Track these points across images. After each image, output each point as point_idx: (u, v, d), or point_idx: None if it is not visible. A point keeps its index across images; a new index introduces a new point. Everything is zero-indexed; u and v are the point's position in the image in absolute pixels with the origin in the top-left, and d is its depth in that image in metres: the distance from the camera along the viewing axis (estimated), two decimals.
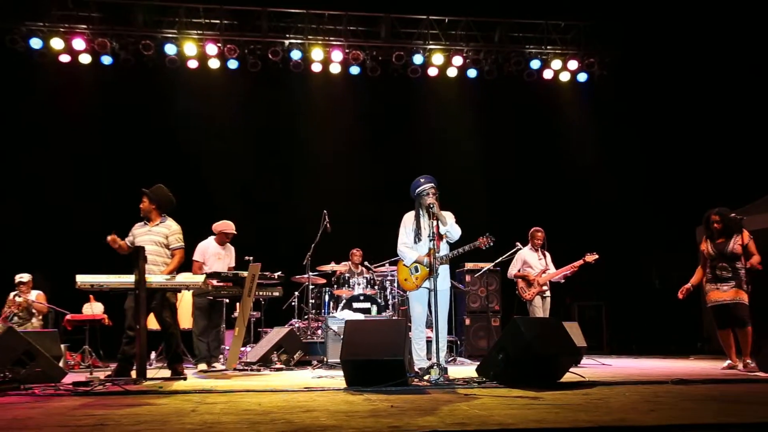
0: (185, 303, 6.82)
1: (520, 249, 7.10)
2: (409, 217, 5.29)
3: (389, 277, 8.03)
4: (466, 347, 8.31)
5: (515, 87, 10.03)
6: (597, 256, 6.93)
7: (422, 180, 5.19)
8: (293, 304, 8.15)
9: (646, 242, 9.93)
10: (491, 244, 5.20)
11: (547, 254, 7.28)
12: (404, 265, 5.23)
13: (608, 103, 10.10)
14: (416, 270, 5.19)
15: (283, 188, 9.88)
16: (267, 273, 6.18)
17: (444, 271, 5.20)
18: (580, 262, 6.97)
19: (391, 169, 9.87)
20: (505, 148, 10.22)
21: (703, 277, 6.13)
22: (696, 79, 9.45)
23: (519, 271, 7.18)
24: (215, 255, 6.63)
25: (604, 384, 4.51)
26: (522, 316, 5.96)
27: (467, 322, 8.46)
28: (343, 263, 8.41)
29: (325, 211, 7.65)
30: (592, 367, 6.44)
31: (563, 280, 7.22)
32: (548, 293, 7.16)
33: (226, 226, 6.71)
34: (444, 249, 5.18)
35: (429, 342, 5.74)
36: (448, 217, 5.18)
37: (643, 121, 10.02)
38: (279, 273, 6.33)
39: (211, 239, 6.69)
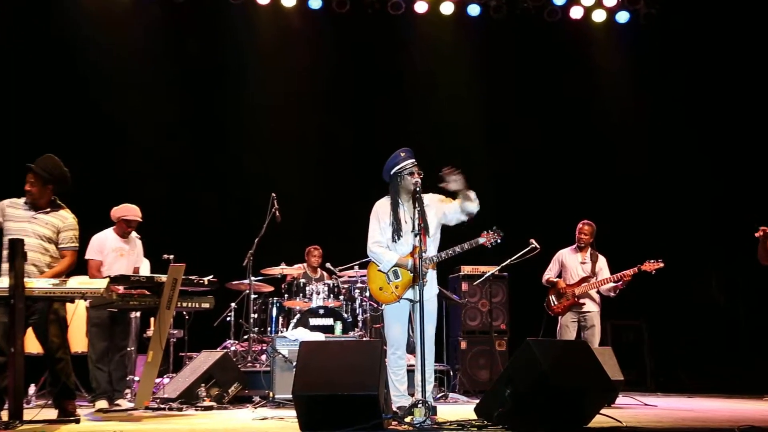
0: (78, 318, 6.73)
1: (536, 249, 7.11)
2: (383, 207, 5.31)
3: (359, 284, 8.07)
4: (461, 379, 8.39)
5: (532, 30, 10.11)
6: (662, 265, 7.04)
7: (402, 154, 5.21)
8: (228, 319, 8.17)
9: (707, 245, 10.03)
10: (499, 241, 5.25)
11: (601, 258, 7.47)
12: (379, 270, 5.25)
13: (657, 52, 10.16)
14: (395, 276, 5.21)
15: (216, 161, 9.84)
16: (193, 277, 6.16)
17: (431, 277, 5.24)
18: (634, 270, 7.08)
19: (362, 140, 9.92)
20: (516, 113, 10.25)
21: None
22: None
23: (552, 276, 7.44)
24: (115, 251, 6.51)
25: None
26: (539, 338, 6.00)
27: (463, 345, 8.56)
28: (298, 265, 8.43)
29: (273, 195, 7.63)
30: (630, 408, 6.53)
31: (613, 293, 7.33)
32: (592, 311, 7.31)
33: (128, 210, 6.57)
34: (432, 248, 5.23)
35: (411, 372, 5.79)
36: (435, 200, 5.22)
37: (705, 80, 10.04)
38: (210, 277, 6.31)
39: (110, 230, 6.59)
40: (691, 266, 9.78)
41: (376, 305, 7.80)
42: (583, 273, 7.39)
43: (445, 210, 5.29)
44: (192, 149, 9.79)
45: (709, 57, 10.01)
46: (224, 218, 9.51)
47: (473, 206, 5.18)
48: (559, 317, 7.42)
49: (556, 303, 7.40)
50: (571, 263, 7.46)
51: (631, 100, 10.29)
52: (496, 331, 8.57)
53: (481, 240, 5.23)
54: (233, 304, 8.14)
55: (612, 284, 7.19)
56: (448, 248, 5.21)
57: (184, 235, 8.74)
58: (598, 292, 7.39)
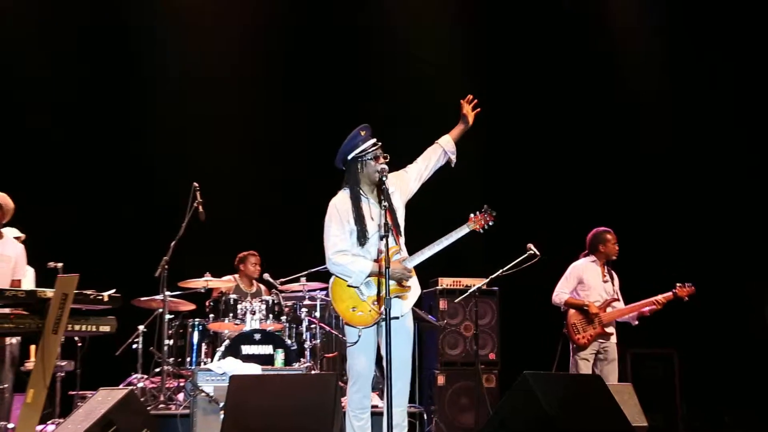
0: None
1: (535, 256, 7.05)
2: (343, 204, 5.28)
3: (307, 301, 8.07)
4: (437, 425, 8.42)
5: None
6: (693, 290, 7.35)
7: (362, 133, 5.24)
8: (135, 347, 8.08)
9: (753, 258, 10.11)
10: (491, 224, 5.23)
11: (615, 276, 7.67)
12: (349, 285, 5.19)
13: (693, 13, 10.37)
14: (369, 289, 5.19)
15: (120, 141, 9.83)
16: (89, 292, 6.04)
17: (413, 284, 5.26)
18: (669, 295, 7.31)
19: (315, 118, 9.97)
20: (507, 87, 10.36)
21: None
22: None
23: (569, 295, 7.52)
24: None
25: None
26: (539, 372, 5.96)
27: (441, 381, 8.60)
28: (227, 277, 8.44)
29: (195, 185, 7.59)
30: None
31: (636, 322, 7.51)
32: (613, 342, 7.47)
33: None
34: (402, 248, 5.25)
35: (377, 415, 5.75)
36: (396, 180, 5.27)
37: (750, 54, 10.26)
38: (111, 292, 6.20)
39: None
40: (737, 281, 9.91)
41: (334, 333, 7.78)
42: (605, 294, 7.52)
43: (411, 176, 5.37)
44: (88, 126, 9.78)
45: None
46: (131, 215, 9.50)
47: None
48: (575, 352, 7.46)
49: (581, 332, 7.41)
50: (594, 280, 7.54)
51: (656, 74, 10.55)
52: (484, 362, 8.59)
53: (468, 227, 5.20)
54: (142, 327, 8.03)
55: (642, 310, 7.41)
56: (427, 244, 5.20)
57: (78, 238, 8.73)
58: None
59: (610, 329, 7.43)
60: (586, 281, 7.53)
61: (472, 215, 5.22)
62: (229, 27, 10.11)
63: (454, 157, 5.49)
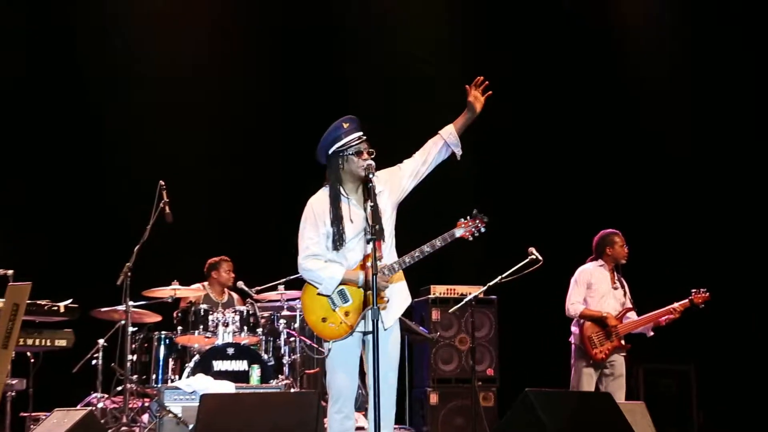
0: None
1: (538, 261, 7.11)
2: (320, 204, 5.25)
3: (285, 311, 8.06)
4: None
5: None
6: (708, 297, 7.37)
7: (345, 125, 5.21)
8: (95, 363, 8.02)
9: None
10: (483, 230, 5.20)
11: (624, 282, 7.68)
12: (319, 293, 5.16)
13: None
14: (342, 298, 5.14)
15: (80, 135, 9.81)
16: (43, 302, 6.16)
17: (399, 292, 5.20)
18: (685, 303, 7.32)
19: (293, 110, 10.12)
20: (504, 77, 10.13)
21: None
22: None
23: (582, 304, 7.49)
24: None
25: None
26: (542, 389, 5.90)
27: (433, 400, 8.63)
28: (196, 285, 8.45)
29: (162, 183, 7.57)
30: None
31: (652, 333, 7.52)
32: (621, 355, 7.47)
33: None
34: (390, 253, 5.20)
35: None
36: (385, 178, 5.22)
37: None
38: (68, 302, 6.29)
39: None
40: (760, 290, 9.92)
41: (315, 346, 7.73)
42: (616, 303, 7.49)
43: (405, 173, 5.29)
44: (42, 115, 9.77)
45: None
46: (90, 216, 9.45)
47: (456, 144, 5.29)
48: (579, 365, 7.46)
49: (598, 346, 7.34)
50: (603, 287, 7.51)
51: (666, 56, 10.64)
52: (481, 378, 8.60)
53: (458, 232, 5.18)
54: (102, 341, 7.97)
55: (658, 320, 7.41)
56: (414, 249, 5.15)
57: (31, 242, 8.69)
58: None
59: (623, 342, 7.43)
60: (596, 288, 7.46)
61: (462, 220, 5.20)
62: (202, 16, 10.20)
63: (459, 150, 5.32)
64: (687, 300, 7.33)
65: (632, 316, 7.49)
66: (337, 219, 5.13)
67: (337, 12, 10.48)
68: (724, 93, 10.52)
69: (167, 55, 10.04)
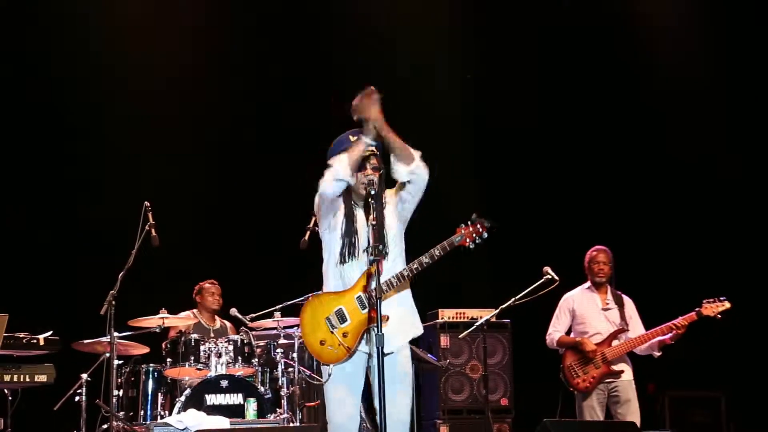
0: None
1: (554, 281, 7.11)
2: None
3: (282, 340, 7.89)
4: None
5: None
6: (728, 306, 7.10)
7: (352, 138, 5.16)
8: (78, 399, 7.80)
9: None
10: (485, 236, 5.05)
11: (626, 299, 7.52)
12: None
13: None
14: (340, 319, 5.07)
15: (59, 152, 9.82)
16: (22, 335, 6.24)
17: (403, 311, 5.10)
18: (691, 316, 7.10)
19: (292, 124, 10.13)
20: (509, 84, 10.51)
21: None
22: None
23: (563, 333, 7.48)
24: None
25: None
26: (561, 419, 6.10)
27: (443, 431, 8.52)
28: (185, 313, 8.40)
29: (147, 204, 7.48)
30: None
31: (659, 353, 7.33)
32: (625, 379, 7.29)
33: None
34: (394, 266, 5.07)
35: None
36: (392, 195, 5.18)
37: None
38: (48, 334, 6.38)
39: None
40: None
41: (315, 376, 7.51)
42: (609, 325, 7.34)
43: (401, 194, 5.22)
44: (19, 137, 9.75)
45: None
46: (70, 243, 9.42)
47: (406, 167, 5.02)
48: (577, 398, 7.35)
49: (580, 375, 7.27)
50: (590, 311, 7.41)
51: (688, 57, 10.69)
52: (495, 408, 8.51)
53: (457, 239, 5.03)
54: (85, 376, 7.73)
55: (658, 339, 7.19)
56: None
57: (7, 270, 8.69)
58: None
59: (620, 366, 7.26)
60: (580, 313, 7.45)
61: (462, 226, 5.06)
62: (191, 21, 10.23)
63: (410, 176, 5.06)
64: (693, 313, 7.09)
65: (632, 335, 7.31)
66: (349, 232, 5.11)
67: (325, 26, 10.57)
68: (739, 102, 10.57)
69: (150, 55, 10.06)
